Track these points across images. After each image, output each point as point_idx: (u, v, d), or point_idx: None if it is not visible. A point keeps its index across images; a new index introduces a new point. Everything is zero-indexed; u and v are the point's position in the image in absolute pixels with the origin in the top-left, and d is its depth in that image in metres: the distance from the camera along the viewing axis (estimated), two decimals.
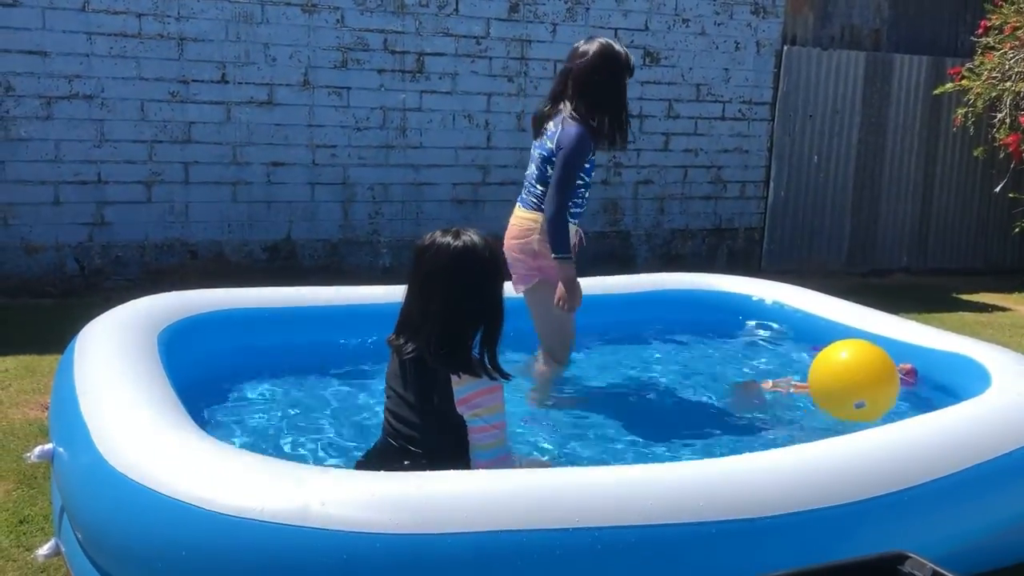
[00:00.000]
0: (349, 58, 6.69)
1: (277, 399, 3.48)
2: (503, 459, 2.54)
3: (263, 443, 3.03)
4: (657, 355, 4.30)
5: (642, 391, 3.87)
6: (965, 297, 7.70)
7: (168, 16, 6.19)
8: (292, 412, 3.34)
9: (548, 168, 3.56)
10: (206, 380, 3.36)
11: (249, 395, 3.47)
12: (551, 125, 3.58)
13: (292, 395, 3.54)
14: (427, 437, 2.54)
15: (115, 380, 2.69)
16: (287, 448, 3.02)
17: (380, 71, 6.79)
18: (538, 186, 3.61)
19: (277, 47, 6.49)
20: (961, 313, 7.03)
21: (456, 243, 2.49)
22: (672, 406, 3.68)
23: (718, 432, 3.36)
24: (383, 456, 2.61)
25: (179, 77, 6.28)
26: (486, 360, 2.52)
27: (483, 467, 2.49)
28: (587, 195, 3.68)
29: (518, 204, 3.72)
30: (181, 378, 2.95)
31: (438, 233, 2.54)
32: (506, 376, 2.56)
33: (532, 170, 3.67)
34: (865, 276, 8.49)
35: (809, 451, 2.60)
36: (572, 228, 3.61)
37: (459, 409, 2.49)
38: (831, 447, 2.62)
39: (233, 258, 6.60)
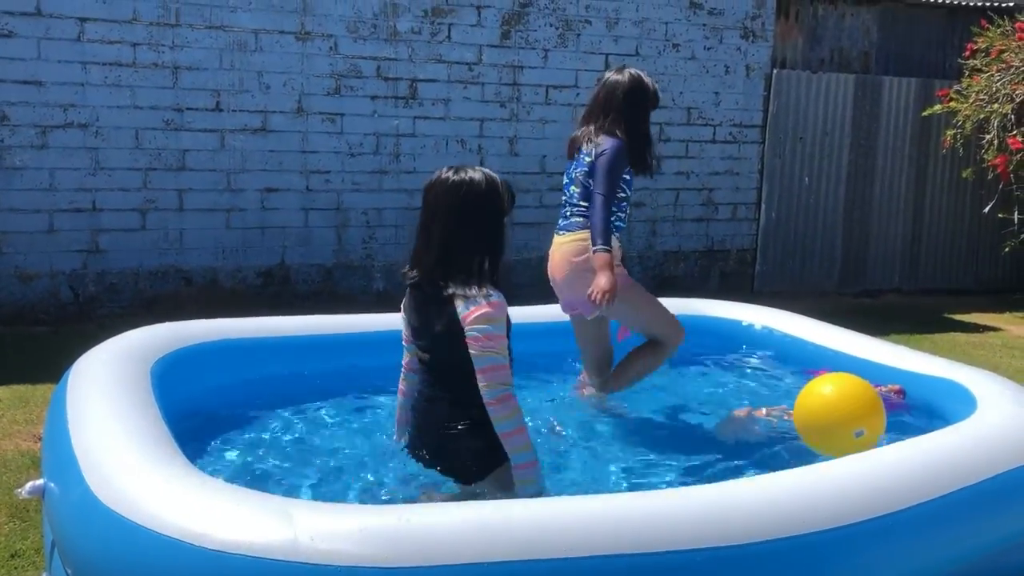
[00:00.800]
0: (342, 85, 6.76)
1: (269, 431, 3.48)
2: (502, 367, 2.65)
3: (254, 477, 3.03)
4: (646, 382, 4.31)
5: (629, 418, 3.87)
6: (957, 317, 7.75)
7: (163, 45, 6.25)
8: (284, 444, 3.34)
9: (591, 182, 3.62)
10: (199, 412, 3.37)
11: (241, 427, 3.46)
12: (585, 146, 3.70)
13: (284, 427, 3.54)
14: (439, 358, 2.76)
15: (107, 414, 2.71)
16: (278, 481, 3.02)
17: (373, 97, 6.85)
18: (582, 203, 3.68)
19: (271, 75, 6.56)
20: (953, 334, 7.07)
21: (455, 177, 2.71)
22: (662, 434, 3.68)
23: (707, 460, 3.36)
24: (420, 391, 2.88)
25: (174, 105, 6.34)
26: (487, 279, 2.69)
27: (485, 377, 2.63)
28: (628, 211, 3.80)
29: (560, 232, 3.75)
30: (174, 410, 2.97)
31: (443, 169, 2.77)
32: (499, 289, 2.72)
33: (574, 190, 3.72)
34: (857, 296, 8.53)
35: (792, 477, 2.61)
36: (615, 242, 3.68)
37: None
38: (815, 473, 2.64)
39: (227, 284, 6.63)
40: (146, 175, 6.34)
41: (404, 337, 2.95)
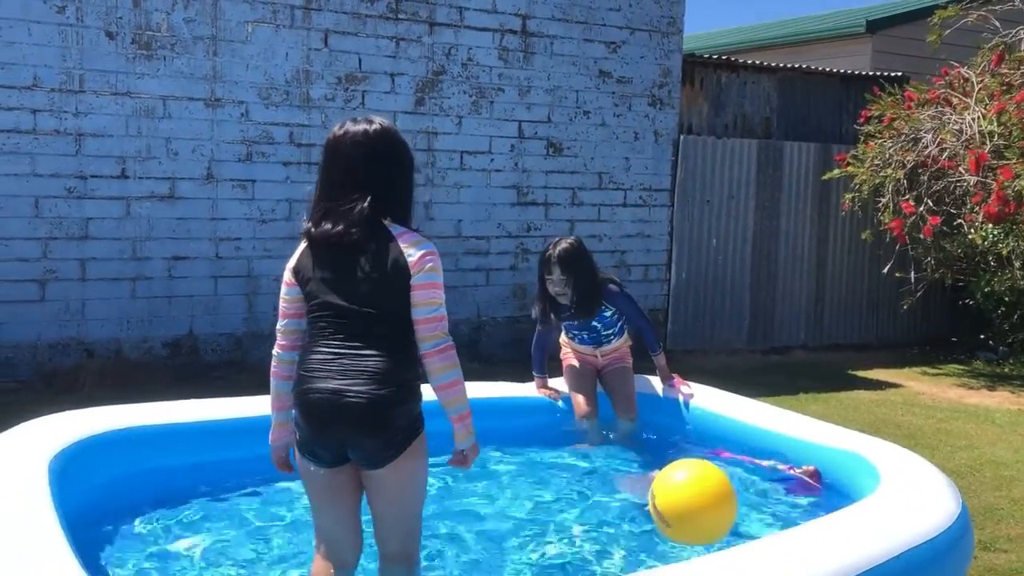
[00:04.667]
0: (254, 151, 6.68)
1: (183, 531, 3.27)
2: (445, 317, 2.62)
3: None
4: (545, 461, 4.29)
5: (527, 502, 3.78)
6: (860, 374, 8.02)
7: (65, 112, 6.08)
8: (201, 547, 3.13)
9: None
10: (104, 513, 3.18)
11: (151, 528, 3.25)
12: None
13: (200, 525, 3.33)
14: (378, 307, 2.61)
15: None
16: None
17: (286, 163, 6.79)
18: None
19: (179, 141, 6.44)
20: (857, 391, 7.31)
21: (370, 128, 2.66)
22: (561, 518, 3.59)
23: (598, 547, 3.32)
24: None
25: (76, 173, 6.16)
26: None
27: (430, 327, 2.54)
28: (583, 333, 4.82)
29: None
30: (76, 513, 2.82)
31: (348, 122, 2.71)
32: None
33: None
34: (766, 354, 8.76)
35: (701, 566, 2.63)
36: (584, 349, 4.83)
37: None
38: (725, 559, 2.66)
39: (132, 356, 6.41)
40: (46, 244, 6.12)
41: (298, 296, 2.63)
